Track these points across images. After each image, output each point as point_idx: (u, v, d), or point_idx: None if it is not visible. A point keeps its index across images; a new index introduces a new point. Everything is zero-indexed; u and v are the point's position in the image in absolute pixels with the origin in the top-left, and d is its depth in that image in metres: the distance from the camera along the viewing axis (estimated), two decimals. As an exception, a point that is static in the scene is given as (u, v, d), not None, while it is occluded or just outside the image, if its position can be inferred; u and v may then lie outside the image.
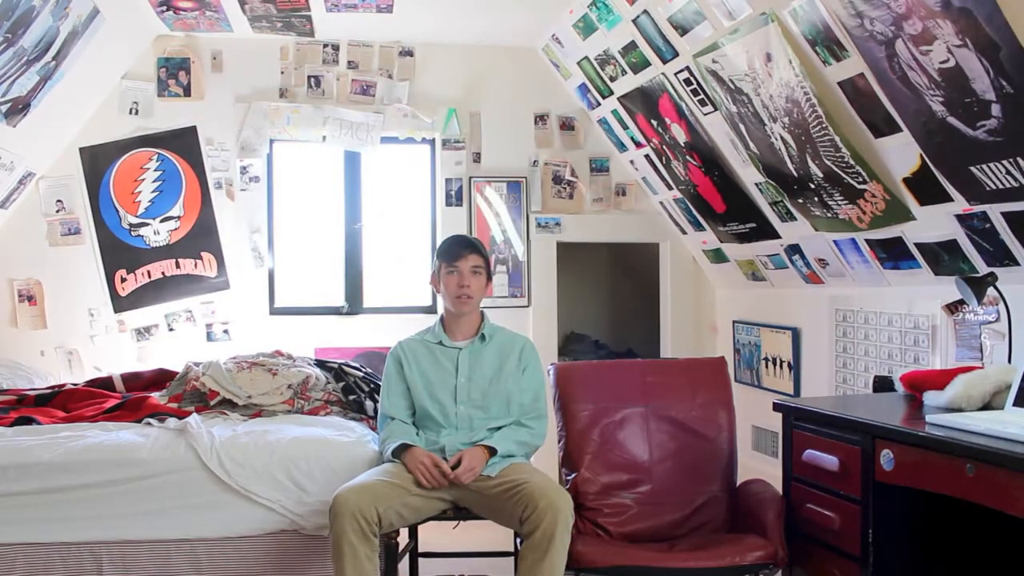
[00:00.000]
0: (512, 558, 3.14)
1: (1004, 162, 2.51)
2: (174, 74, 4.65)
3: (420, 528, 3.31)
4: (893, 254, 3.30)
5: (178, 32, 4.59)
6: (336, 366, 3.69)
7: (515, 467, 2.76)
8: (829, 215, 3.47)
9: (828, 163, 3.20)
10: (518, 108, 4.97)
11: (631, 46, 3.91)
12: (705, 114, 3.82)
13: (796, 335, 4.12)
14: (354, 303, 4.91)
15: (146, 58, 4.63)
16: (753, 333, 4.51)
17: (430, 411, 2.92)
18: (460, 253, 2.94)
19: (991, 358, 2.90)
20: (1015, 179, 2.53)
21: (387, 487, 2.68)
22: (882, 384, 2.99)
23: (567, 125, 5.02)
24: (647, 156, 4.63)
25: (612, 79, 4.32)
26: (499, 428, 2.89)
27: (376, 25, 4.52)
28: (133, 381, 3.82)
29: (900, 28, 2.50)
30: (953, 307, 3.11)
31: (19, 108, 3.81)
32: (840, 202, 3.33)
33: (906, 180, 2.97)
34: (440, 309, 4.90)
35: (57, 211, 4.57)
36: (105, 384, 3.78)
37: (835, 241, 3.58)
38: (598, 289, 6.18)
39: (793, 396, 4.08)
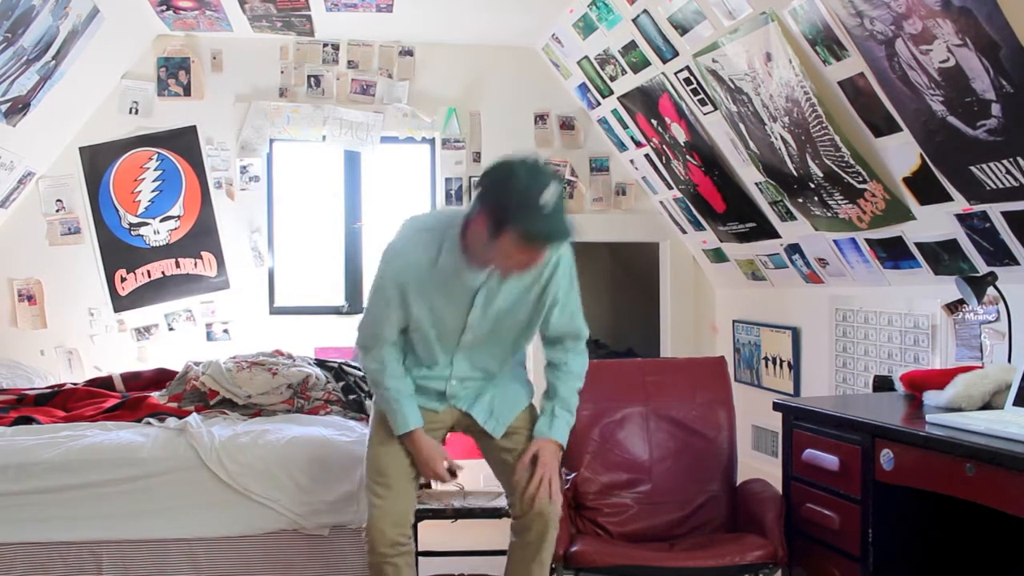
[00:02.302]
0: (512, 558, 3.13)
1: (1004, 162, 2.51)
2: (174, 74, 4.65)
3: (420, 527, 3.31)
4: (893, 254, 3.30)
5: (178, 32, 4.58)
6: (336, 366, 3.70)
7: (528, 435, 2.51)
8: (829, 215, 3.47)
9: (828, 163, 3.20)
10: (518, 108, 4.97)
11: (631, 46, 3.91)
12: (705, 114, 3.82)
13: (796, 335, 4.12)
14: (354, 303, 4.91)
15: (146, 58, 4.62)
16: (753, 333, 4.50)
17: (427, 342, 2.43)
18: (546, 244, 2.18)
19: (991, 358, 2.90)
20: (1015, 179, 2.52)
21: (406, 487, 2.50)
22: (882, 384, 2.99)
23: (567, 125, 5.02)
24: (647, 156, 4.63)
25: (612, 79, 4.32)
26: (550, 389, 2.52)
27: (376, 25, 4.52)
28: (133, 381, 3.82)
29: (900, 28, 2.50)
30: (953, 307, 3.11)
31: (19, 108, 3.81)
32: (840, 202, 3.33)
33: (906, 180, 2.97)
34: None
35: (57, 211, 4.57)
36: (105, 384, 3.78)
37: (835, 241, 3.58)
38: (598, 289, 6.17)
39: (793, 396, 4.08)
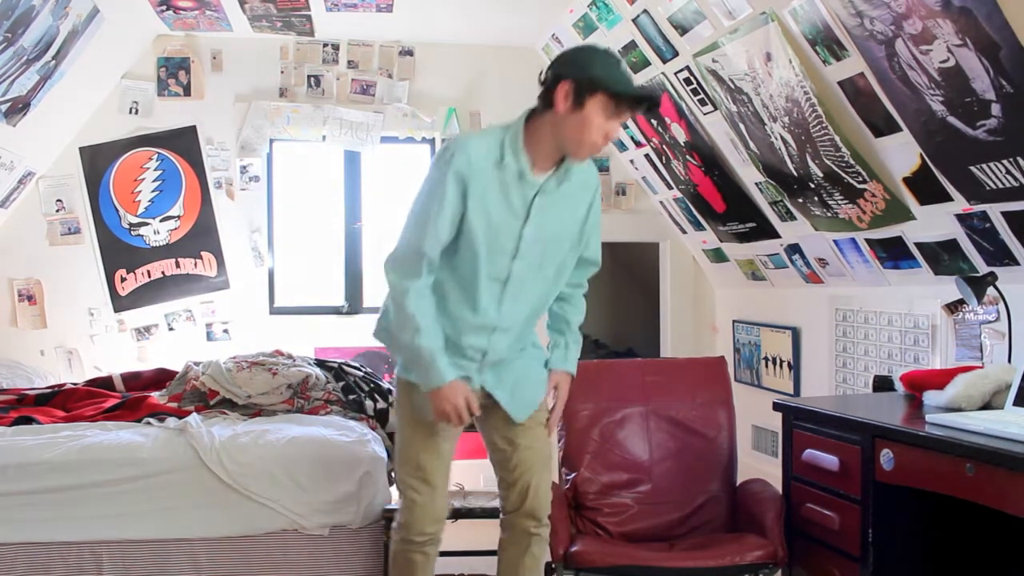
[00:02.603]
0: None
1: (1004, 162, 2.51)
2: (174, 73, 4.65)
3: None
4: (893, 254, 3.30)
5: (178, 32, 4.58)
6: (336, 366, 3.70)
7: (538, 431, 2.44)
8: (829, 215, 3.47)
9: (828, 163, 3.20)
10: (518, 108, 4.86)
11: (631, 46, 3.91)
12: (705, 114, 3.82)
13: (796, 335, 4.12)
14: (354, 303, 4.91)
15: (146, 58, 4.62)
16: (753, 333, 4.50)
17: (473, 271, 2.21)
18: (635, 108, 2.16)
19: (991, 358, 2.90)
20: (1015, 179, 2.52)
21: (445, 484, 2.43)
22: (882, 384, 2.99)
23: (567, 125, 5.01)
24: (647, 156, 4.63)
25: (612, 79, 4.31)
26: (556, 323, 2.46)
27: (376, 25, 4.52)
28: (133, 381, 3.82)
29: (900, 28, 2.50)
30: (953, 307, 3.11)
31: (19, 108, 3.81)
32: (840, 202, 3.33)
33: (906, 180, 2.97)
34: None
35: (57, 211, 4.57)
36: (105, 384, 3.78)
37: (835, 241, 3.58)
38: (598, 289, 6.15)
39: (793, 396, 4.08)
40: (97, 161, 4.60)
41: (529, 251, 2.24)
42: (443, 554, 3.37)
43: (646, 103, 2.22)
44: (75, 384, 3.81)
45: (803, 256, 3.89)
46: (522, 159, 2.19)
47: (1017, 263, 2.77)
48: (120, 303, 4.62)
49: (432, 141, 4.97)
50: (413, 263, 2.20)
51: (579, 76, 2.09)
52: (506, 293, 2.26)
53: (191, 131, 4.68)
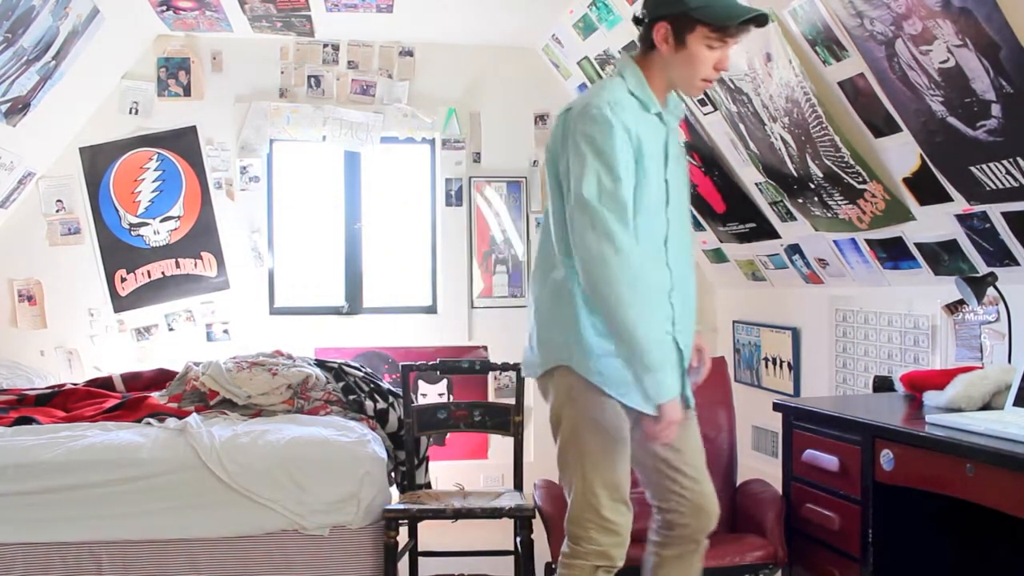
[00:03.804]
0: (512, 557, 3.14)
1: (1004, 162, 2.51)
2: (174, 74, 4.65)
3: (420, 527, 3.32)
4: (893, 254, 3.30)
5: (178, 32, 4.58)
6: (336, 366, 3.70)
7: (694, 430, 2.24)
8: (829, 215, 3.47)
9: (828, 163, 3.20)
10: (518, 108, 4.97)
11: (631, 46, 3.91)
12: (705, 114, 3.82)
13: (796, 335, 4.12)
14: (354, 303, 4.91)
15: (146, 58, 4.62)
16: (753, 333, 4.50)
17: (652, 227, 2.02)
18: (743, 27, 1.99)
19: (991, 358, 2.90)
20: (1015, 179, 2.52)
21: (627, 491, 2.16)
22: (882, 384, 2.99)
23: (567, 125, 5.01)
24: (647, 156, 4.62)
25: (612, 79, 4.32)
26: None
27: (376, 25, 4.52)
28: (133, 381, 3.82)
29: (900, 28, 2.50)
30: (953, 307, 3.11)
31: (19, 108, 3.81)
32: (840, 202, 3.33)
33: (906, 180, 2.97)
34: (440, 310, 4.92)
35: (57, 211, 4.57)
36: (105, 384, 3.78)
37: (835, 241, 3.58)
38: (598, 289, 6.17)
39: (793, 396, 4.08)
40: (97, 161, 4.60)
41: (675, 198, 2.09)
42: (443, 553, 3.39)
43: (752, 24, 1.99)
44: (75, 384, 3.81)
45: (803, 256, 3.89)
46: (654, 100, 2.06)
47: (1017, 263, 2.77)
48: (120, 303, 4.62)
49: (432, 141, 4.97)
50: (621, 209, 1.92)
51: (674, 13, 1.98)
52: (669, 251, 2.06)
53: (191, 131, 4.68)
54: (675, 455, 2.18)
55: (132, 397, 3.48)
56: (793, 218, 3.74)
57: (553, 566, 2.67)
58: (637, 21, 2.08)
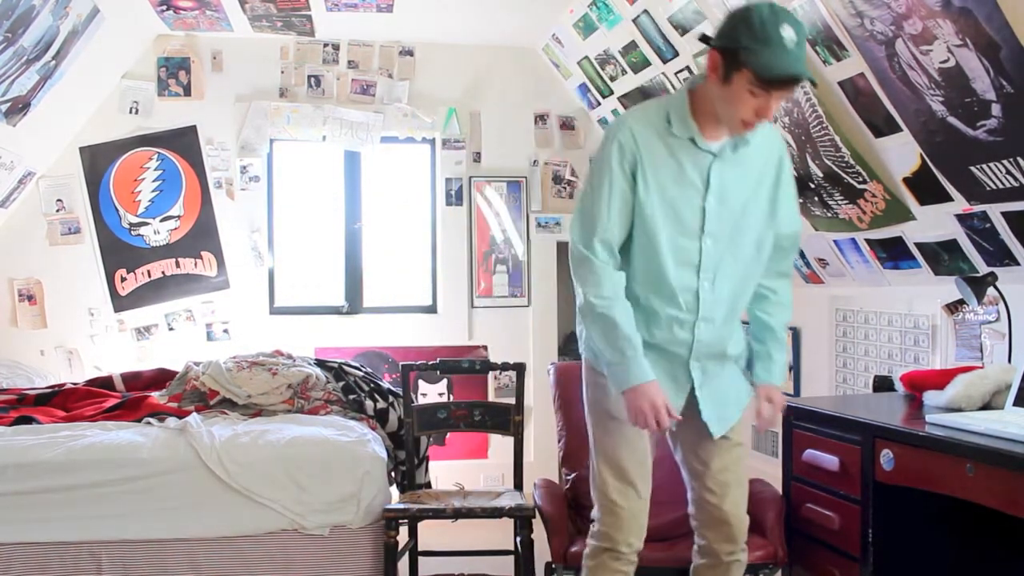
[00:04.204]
0: (512, 557, 3.14)
1: (1004, 162, 2.51)
2: (174, 73, 4.65)
3: (420, 527, 3.32)
4: (893, 254, 3.30)
5: (178, 31, 4.58)
6: (336, 366, 3.69)
7: (733, 452, 2.28)
8: (829, 215, 3.47)
9: (828, 163, 3.20)
10: (518, 108, 4.97)
11: (631, 46, 3.91)
12: (705, 114, 3.82)
13: (796, 335, 4.12)
14: (354, 303, 4.91)
15: (146, 58, 4.63)
16: (753, 333, 4.50)
17: (661, 253, 2.08)
18: (783, 81, 1.94)
19: (991, 358, 2.90)
20: (1015, 179, 2.52)
21: (647, 491, 2.26)
22: (882, 384, 2.99)
23: (567, 125, 5.02)
24: (647, 156, 4.62)
25: (612, 79, 4.32)
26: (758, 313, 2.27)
27: (376, 25, 4.52)
28: (133, 380, 3.82)
29: (900, 28, 2.50)
30: (953, 307, 3.10)
31: (19, 107, 3.81)
32: (840, 202, 3.33)
33: (906, 180, 2.97)
34: (441, 308, 4.92)
35: (57, 210, 4.57)
36: (105, 383, 3.78)
37: (835, 241, 3.58)
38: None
39: (793, 396, 4.08)
40: (97, 161, 4.60)
41: (717, 226, 2.08)
42: (443, 553, 3.39)
43: (797, 84, 1.99)
44: (75, 384, 3.81)
45: (803, 256, 3.89)
46: (690, 125, 2.04)
47: (1017, 263, 2.77)
48: (120, 303, 4.62)
49: (432, 141, 4.98)
50: (599, 247, 2.07)
51: (725, 47, 1.95)
52: (702, 279, 2.10)
53: (191, 131, 4.68)
54: (704, 468, 2.27)
55: (132, 397, 3.47)
56: (793, 218, 3.74)
57: (553, 566, 2.68)
58: (704, 39, 2.05)
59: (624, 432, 2.19)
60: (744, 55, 1.91)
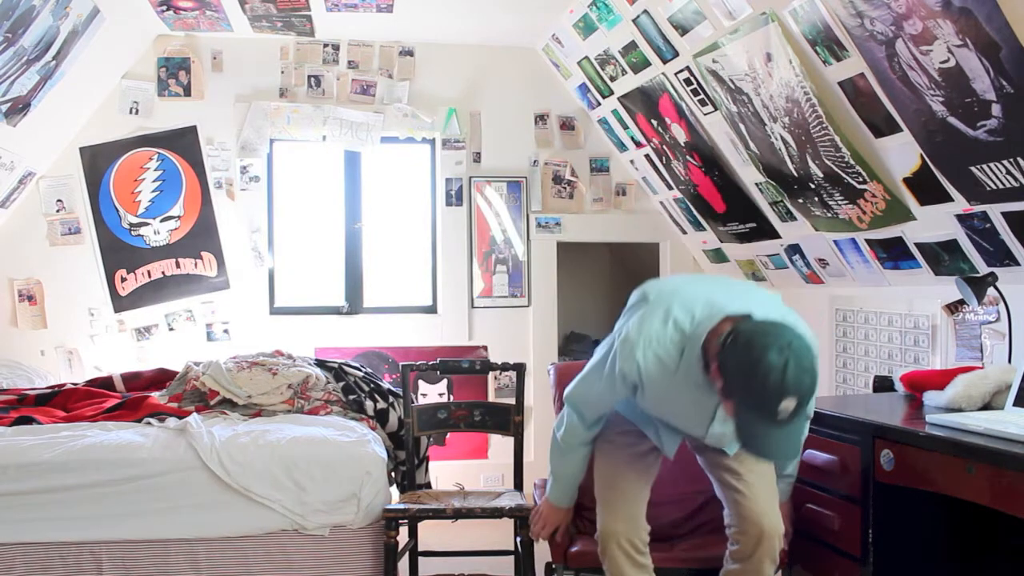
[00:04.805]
0: (512, 557, 3.14)
1: (1004, 162, 2.51)
2: (174, 74, 4.65)
3: (420, 527, 3.32)
4: (893, 254, 3.30)
5: (178, 32, 4.58)
6: (336, 366, 3.69)
7: (761, 464, 2.39)
8: (829, 215, 3.47)
9: (828, 163, 3.20)
10: (518, 108, 4.97)
11: (631, 46, 3.91)
12: (705, 114, 3.82)
13: (796, 335, 4.12)
14: (354, 303, 4.91)
15: (146, 58, 4.62)
16: (753, 333, 4.50)
17: (669, 426, 2.39)
18: (760, 452, 2.09)
19: (991, 358, 2.90)
20: (1015, 179, 2.52)
21: (638, 492, 2.44)
22: (882, 384, 2.99)
23: (567, 125, 5.02)
24: (647, 156, 4.63)
25: (612, 79, 4.32)
26: None
27: (376, 25, 4.52)
28: (133, 381, 3.82)
29: (900, 28, 2.50)
30: (953, 307, 3.11)
31: (19, 108, 3.81)
32: (840, 202, 3.33)
33: (906, 180, 2.97)
34: (441, 306, 4.92)
35: (57, 211, 4.57)
36: (105, 384, 3.78)
37: (835, 241, 3.58)
38: (598, 289, 6.18)
39: (793, 396, 4.07)
40: (97, 161, 4.60)
41: (719, 432, 2.26)
42: (443, 553, 3.39)
43: (778, 456, 2.23)
44: (75, 384, 3.80)
45: (803, 256, 3.89)
46: (699, 369, 2.09)
47: (1017, 263, 2.77)
48: (120, 303, 4.62)
49: (432, 141, 4.97)
50: (579, 414, 2.43)
51: (729, 384, 1.98)
52: (708, 436, 2.31)
53: (191, 131, 4.68)
54: (735, 477, 2.39)
55: (132, 397, 3.47)
56: (793, 218, 3.74)
57: (554, 566, 2.68)
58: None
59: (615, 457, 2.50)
60: (740, 403, 1.96)
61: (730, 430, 2.16)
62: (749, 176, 3.86)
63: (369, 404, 3.49)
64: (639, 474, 2.47)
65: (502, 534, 3.41)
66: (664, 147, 4.35)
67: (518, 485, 3.22)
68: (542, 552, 2.75)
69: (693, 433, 2.33)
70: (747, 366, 1.91)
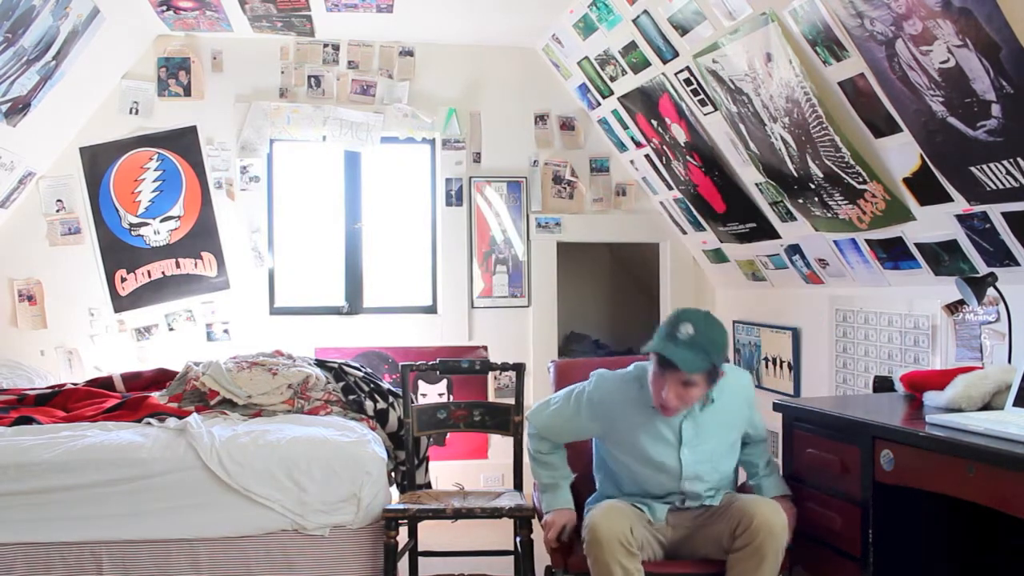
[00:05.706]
0: (511, 557, 3.14)
1: (1004, 162, 2.51)
2: (174, 74, 4.66)
3: (420, 527, 3.32)
4: (893, 254, 3.30)
5: (178, 32, 4.59)
6: (336, 366, 3.70)
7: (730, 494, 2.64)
8: (829, 215, 3.47)
9: (828, 163, 3.20)
10: (518, 108, 4.97)
11: (631, 46, 3.91)
12: (705, 114, 3.82)
13: (796, 335, 4.12)
14: (354, 303, 4.91)
15: (146, 58, 4.63)
16: (753, 333, 4.50)
17: (643, 471, 2.57)
18: (675, 369, 2.39)
19: (991, 358, 2.90)
20: (1015, 179, 2.52)
21: (629, 508, 2.52)
22: (882, 384, 2.99)
23: (567, 125, 5.02)
24: (647, 156, 4.63)
25: (612, 79, 4.32)
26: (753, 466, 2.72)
27: (376, 25, 4.52)
28: (133, 381, 3.82)
29: (900, 28, 2.50)
30: (953, 307, 3.11)
31: (19, 108, 3.81)
32: (840, 202, 3.33)
33: (906, 180, 2.97)
34: (442, 308, 4.93)
35: (57, 211, 4.57)
36: (105, 384, 3.78)
37: (835, 241, 3.58)
38: (598, 289, 6.18)
39: (793, 396, 4.08)
40: (97, 161, 4.60)
41: (691, 460, 2.53)
42: (443, 553, 3.39)
43: (690, 367, 2.39)
44: (75, 384, 3.81)
45: (803, 256, 3.89)
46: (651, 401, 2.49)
47: (1017, 264, 2.77)
48: (120, 303, 4.62)
49: (432, 141, 4.98)
50: (541, 439, 2.71)
51: (653, 344, 2.44)
52: (683, 477, 2.54)
53: (191, 131, 4.68)
54: (725, 520, 2.53)
55: (132, 397, 3.48)
56: (793, 218, 3.74)
57: (553, 570, 2.67)
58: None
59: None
60: (652, 350, 2.43)
61: (703, 457, 2.52)
62: (749, 176, 3.86)
63: (369, 404, 3.49)
64: (640, 515, 2.56)
65: (502, 534, 3.41)
66: (664, 147, 4.35)
67: (518, 485, 3.22)
68: (541, 552, 2.75)
69: (669, 466, 2.53)
70: (662, 326, 2.47)
